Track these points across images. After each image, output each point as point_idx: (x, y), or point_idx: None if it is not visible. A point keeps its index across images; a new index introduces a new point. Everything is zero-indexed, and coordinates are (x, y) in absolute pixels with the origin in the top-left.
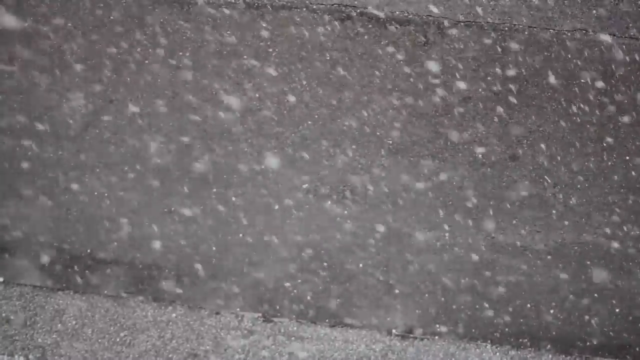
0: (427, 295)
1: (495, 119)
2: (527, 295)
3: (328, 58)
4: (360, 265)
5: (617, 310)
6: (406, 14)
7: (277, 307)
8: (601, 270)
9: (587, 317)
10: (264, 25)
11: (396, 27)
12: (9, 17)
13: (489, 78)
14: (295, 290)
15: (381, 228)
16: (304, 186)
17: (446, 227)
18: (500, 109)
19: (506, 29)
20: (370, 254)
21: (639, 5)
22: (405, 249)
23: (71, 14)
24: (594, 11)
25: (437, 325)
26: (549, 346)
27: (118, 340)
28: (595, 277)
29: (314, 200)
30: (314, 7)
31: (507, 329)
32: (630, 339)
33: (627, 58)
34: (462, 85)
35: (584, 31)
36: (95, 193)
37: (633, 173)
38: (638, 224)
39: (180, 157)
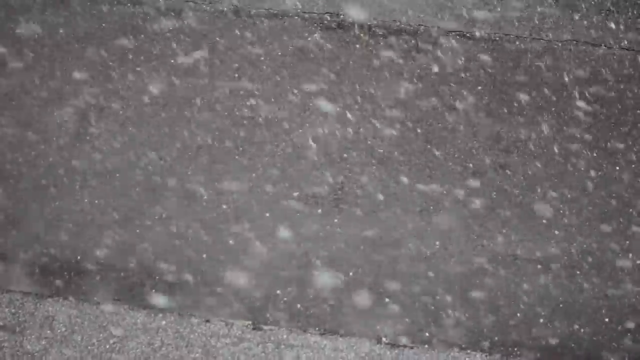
0: (417, 303)
1: (486, 129)
2: (517, 304)
3: (319, 66)
4: (350, 273)
5: (606, 320)
6: (397, 23)
7: (267, 315)
8: (590, 279)
9: (576, 327)
10: (255, 33)
11: (387, 36)
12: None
13: (479, 87)
14: (285, 298)
15: (371, 236)
16: (295, 194)
17: (437, 236)
18: (490, 119)
19: (497, 39)
20: (359, 262)
21: (629, 16)
22: (395, 257)
23: (64, 21)
24: (585, 22)
25: (427, 334)
26: (539, 355)
27: (107, 347)
28: (584, 285)
29: (305, 208)
30: (306, 15)
31: (497, 339)
32: (619, 349)
33: (621, 69)
34: (452, 94)
35: (575, 42)
36: (86, 200)
37: (623, 183)
38: (627, 234)
39: (171, 165)
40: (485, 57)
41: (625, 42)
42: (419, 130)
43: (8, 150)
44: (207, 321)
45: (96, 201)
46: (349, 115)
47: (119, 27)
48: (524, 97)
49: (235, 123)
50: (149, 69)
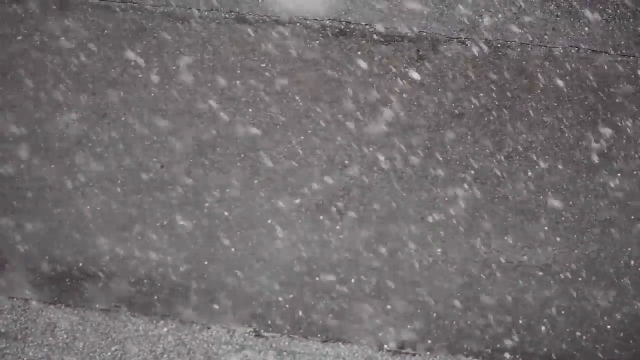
0: (419, 311)
1: (488, 135)
2: (519, 311)
3: (321, 73)
4: (352, 280)
5: (608, 326)
6: (400, 30)
7: (269, 322)
8: (593, 286)
9: (578, 334)
10: (257, 39)
11: (389, 43)
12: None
13: (481, 94)
14: (287, 305)
15: (373, 243)
16: (297, 201)
17: (438, 243)
18: (492, 125)
19: (499, 45)
20: (362, 270)
21: (631, 23)
22: (397, 264)
23: (65, 28)
24: (586, 28)
25: (429, 341)
26: None
27: (109, 354)
28: (586, 292)
29: (307, 215)
30: (308, 22)
31: (498, 345)
32: (621, 356)
33: (620, 75)
34: (454, 101)
35: (576, 48)
36: (88, 207)
37: (625, 189)
38: (629, 240)
39: (172, 172)
40: (487, 64)
41: (626, 49)
42: (420, 136)
43: (10, 157)
44: (209, 328)
45: (98, 208)
46: (349, 121)
47: (121, 33)
48: (526, 102)
49: (237, 129)
50: (151, 75)
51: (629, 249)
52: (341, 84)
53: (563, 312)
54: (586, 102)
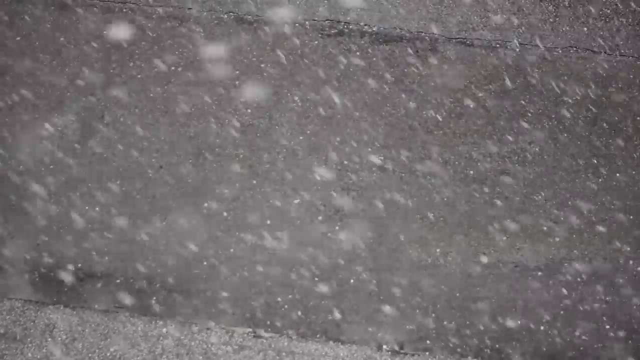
0: (417, 311)
1: (486, 135)
2: (518, 311)
3: (319, 73)
4: (352, 281)
5: (607, 326)
6: (398, 30)
7: (268, 323)
8: (591, 286)
9: (577, 333)
10: (255, 39)
11: (388, 43)
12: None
13: (480, 94)
14: (286, 306)
15: (373, 244)
16: (296, 202)
17: (437, 243)
18: (491, 125)
19: (497, 45)
20: (361, 270)
21: (630, 23)
22: (396, 265)
23: (64, 28)
24: (585, 28)
25: (428, 341)
26: None
27: (108, 354)
28: (584, 293)
29: (306, 216)
30: (306, 23)
31: (497, 345)
32: (620, 355)
33: (619, 74)
34: (453, 101)
35: (575, 48)
36: (87, 207)
37: (623, 189)
38: (628, 240)
39: (172, 172)
40: (485, 64)
41: (625, 49)
42: (419, 137)
43: (8, 158)
44: (208, 329)
45: (97, 209)
46: (349, 121)
47: (119, 34)
48: (524, 103)
49: (236, 130)
50: (150, 76)
51: (628, 248)
52: (339, 84)
53: (562, 312)
54: (585, 102)
